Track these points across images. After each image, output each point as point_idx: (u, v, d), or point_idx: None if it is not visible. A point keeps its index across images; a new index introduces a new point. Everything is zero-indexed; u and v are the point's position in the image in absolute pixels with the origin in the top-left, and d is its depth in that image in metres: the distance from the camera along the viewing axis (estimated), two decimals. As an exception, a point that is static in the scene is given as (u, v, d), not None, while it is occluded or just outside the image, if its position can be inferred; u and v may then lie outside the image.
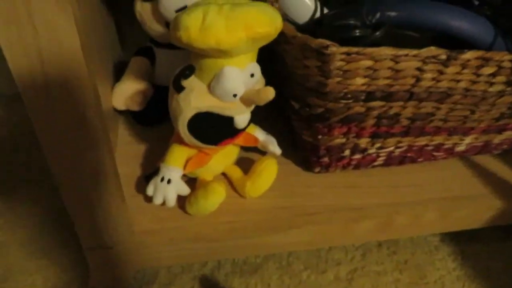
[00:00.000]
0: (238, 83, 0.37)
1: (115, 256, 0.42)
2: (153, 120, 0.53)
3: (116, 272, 0.44)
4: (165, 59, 0.54)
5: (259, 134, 0.46)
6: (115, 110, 0.53)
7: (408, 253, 0.56)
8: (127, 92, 0.51)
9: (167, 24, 0.49)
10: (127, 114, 0.54)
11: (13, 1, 0.24)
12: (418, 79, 0.39)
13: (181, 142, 0.42)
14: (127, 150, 0.50)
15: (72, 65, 0.27)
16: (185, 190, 0.43)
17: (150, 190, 0.42)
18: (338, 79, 0.38)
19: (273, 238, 0.45)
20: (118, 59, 0.59)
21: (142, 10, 0.49)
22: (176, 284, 0.51)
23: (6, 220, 0.56)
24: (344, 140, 0.45)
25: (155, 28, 0.50)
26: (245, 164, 0.47)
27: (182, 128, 0.39)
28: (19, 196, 0.59)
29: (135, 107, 0.51)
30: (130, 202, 0.42)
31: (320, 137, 0.44)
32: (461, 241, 0.57)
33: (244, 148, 0.49)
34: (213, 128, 0.39)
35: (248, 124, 0.41)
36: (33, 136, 0.66)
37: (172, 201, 0.42)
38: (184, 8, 0.42)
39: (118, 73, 0.55)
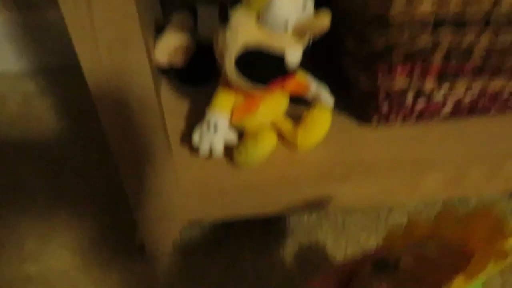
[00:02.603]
0: (290, 9, 0.33)
1: (162, 209, 0.40)
2: (196, 78, 0.51)
3: (163, 226, 0.42)
4: (208, 17, 0.52)
5: (310, 82, 0.43)
6: (158, 70, 0.51)
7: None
8: (170, 45, 0.49)
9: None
10: (168, 76, 0.52)
11: None
12: (496, 2, 0.34)
13: (228, 86, 0.39)
14: (169, 109, 0.48)
15: (127, 26, 0.27)
16: (232, 137, 0.40)
17: (195, 139, 0.39)
18: (403, 3, 0.33)
19: (328, 189, 0.41)
20: (159, 23, 0.58)
21: (184, -42, 0.47)
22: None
23: (60, 219, 0.53)
24: (407, 82, 0.40)
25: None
26: (294, 119, 0.44)
27: (229, 65, 0.36)
28: (72, 195, 0.55)
29: (178, 62, 0.49)
30: (174, 157, 0.39)
31: (380, 78, 0.40)
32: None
33: (293, 102, 0.45)
34: (262, 65, 0.36)
35: (298, 67, 0.38)
36: (84, 142, 0.62)
37: (219, 150, 0.39)
38: None
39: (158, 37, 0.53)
